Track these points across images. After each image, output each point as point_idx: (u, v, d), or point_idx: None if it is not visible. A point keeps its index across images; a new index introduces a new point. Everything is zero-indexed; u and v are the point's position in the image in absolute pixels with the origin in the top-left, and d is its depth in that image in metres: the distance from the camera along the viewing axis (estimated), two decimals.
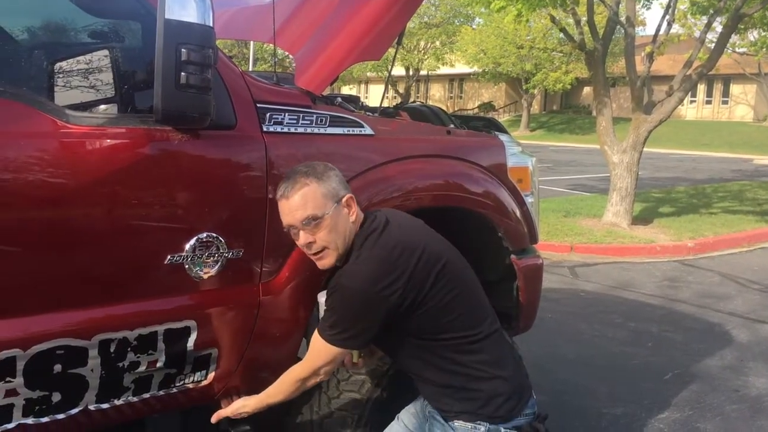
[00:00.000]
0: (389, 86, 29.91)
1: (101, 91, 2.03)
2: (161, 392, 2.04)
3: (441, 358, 1.99)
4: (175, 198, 1.94)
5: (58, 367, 1.80)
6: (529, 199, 2.87)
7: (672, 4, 9.44)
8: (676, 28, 10.60)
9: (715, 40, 9.62)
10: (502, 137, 2.89)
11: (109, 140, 1.82)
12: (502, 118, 38.55)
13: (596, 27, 9.12)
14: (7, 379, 1.73)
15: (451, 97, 46.71)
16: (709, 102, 38.37)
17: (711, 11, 9.21)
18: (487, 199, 2.64)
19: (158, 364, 1.97)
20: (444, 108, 3.23)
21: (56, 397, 1.84)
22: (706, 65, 8.90)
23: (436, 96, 46.96)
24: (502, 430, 1.98)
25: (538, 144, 29.59)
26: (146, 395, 2.02)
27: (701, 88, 36.76)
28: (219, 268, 2.01)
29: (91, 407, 1.91)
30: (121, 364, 1.90)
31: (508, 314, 2.78)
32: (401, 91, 39.29)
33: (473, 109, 41.80)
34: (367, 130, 2.37)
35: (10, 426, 1.79)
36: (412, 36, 34.35)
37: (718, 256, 7.98)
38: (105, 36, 2.23)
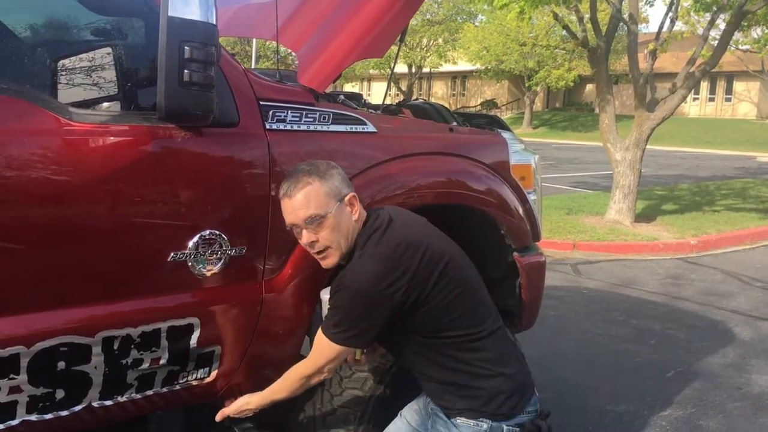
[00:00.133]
0: (392, 84, 29.88)
1: (104, 88, 2.03)
2: (164, 389, 2.05)
3: (444, 356, 1.99)
4: (178, 195, 1.94)
5: (61, 364, 1.80)
6: (531, 197, 2.87)
7: (675, 1, 9.41)
8: (679, 26, 10.62)
9: (718, 37, 9.59)
10: (505, 135, 2.89)
11: (112, 138, 1.82)
12: (505, 116, 38.49)
13: (599, 24, 9.11)
14: (11, 376, 1.73)
15: (453, 95, 46.67)
16: (712, 99, 38.31)
17: (714, 8, 9.18)
18: (489, 196, 2.63)
19: (161, 362, 1.98)
20: (447, 105, 3.22)
21: (60, 394, 1.84)
22: (709, 62, 8.88)
23: (439, 93, 46.92)
24: (505, 427, 1.98)
25: (541, 141, 29.55)
26: (149, 392, 2.02)
27: (704, 86, 36.67)
28: (222, 266, 2.01)
29: (95, 404, 1.92)
30: (124, 362, 1.91)
31: (510, 312, 2.78)
32: (404, 88, 39.27)
33: (476, 106, 41.76)
34: (370, 128, 2.37)
35: (14, 423, 1.80)
36: (414, 33, 34.32)
37: (721, 254, 7.97)
38: (108, 33, 2.24)
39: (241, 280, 2.08)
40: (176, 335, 1.97)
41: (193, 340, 2.01)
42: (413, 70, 39.18)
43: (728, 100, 37.72)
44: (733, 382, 4.18)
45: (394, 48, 2.79)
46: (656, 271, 7.08)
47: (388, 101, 2.94)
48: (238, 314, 2.10)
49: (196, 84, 1.77)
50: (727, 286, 6.49)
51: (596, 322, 5.26)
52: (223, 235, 1.99)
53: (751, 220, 9.56)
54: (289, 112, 2.16)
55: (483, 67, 36.52)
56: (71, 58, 2.10)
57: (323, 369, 2.00)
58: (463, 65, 38.18)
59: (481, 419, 1.97)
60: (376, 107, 2.73)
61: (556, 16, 10.39)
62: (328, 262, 2.01)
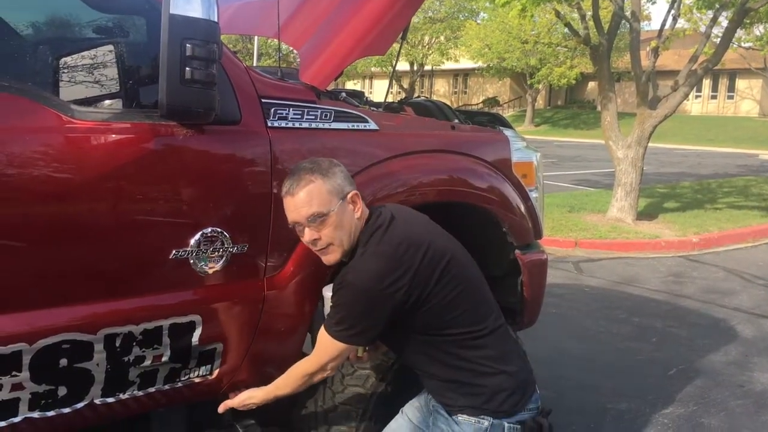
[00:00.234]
0: (393, 81, 29.88)
1: (106, 86, 2.03)
2: (166, 386, 2.05)
3: (446, 354, 1.99)
4: (180, 193, 1.94)
5: (63, 362, 1.81)
6: (533, 194, 2.86)
7: None
8: (681, 23, 10.58)
9: (720, 34, 9.57)
10: (507, 132, 2.88)
11: (113, 135, 1.82)
12: (507, 114, 38.50)
13: (601, 22, 9.10)
14: (13, 373, 1.73)
15: (455, 93, 46.65)
16: (714, 97, 38.26)
17: (717, 6, 9.17)
18: (491, 194, 2.63)
19: (163, 359, 1.98)
20: (448, 103, 3.22)
21: (62, 391, 1.84)
22: (711, 60, 8.86)
23: (441, 91, 46.89)
24: (506, 424, 1.99)
25: (543, 139, 29.52)
26: (151, 389, 2.02)
27: (706, 83, 36.63)
28: (224, 263, 2.01)
29: (97, 401, 1.92)
30: (126, 359, 1.91)
31: (512, 309, 2.78)
32: (406, 86, 39.25)
33: (478, 104, 41.72)
34: (372, 125, 2.36)
35: (16, 420, 1.80)
36: (416, 31, 34.29)
37: (723, 252, 7.96)
38: (110, 31, 2.24)
39: (242, 278, 2.08)
40: (178, 332, 1.97)
41: (195, 337, 2.01)
42: (415, 68, 39.15)
43: (730, 97, 37.66)
44: (735, 379, 4.18)
45: (395, 46, 2.79)
46: (658, 268, 7.08)
47: (389, 99, 2.94)
48: (240, 312, 2.10)
49: (197, 81, 1.77)
50: (729, 283, 6.49)
51: (598, 320, 5.26)
52: (225, 233, 1.99)
53: (753, 217, 9.55)
54: (291, 109, 2.16)
55: (485, 65, 36.48)
56: (73, 55, 2.10)
57: (326, 366, 2.01)
58: (465, 63, 38.14)
59: (482, 416, 1.97)
60: (377, 105, 2.73)
61: (558, 14, 10.39)
62: (330, 258, 2.01)
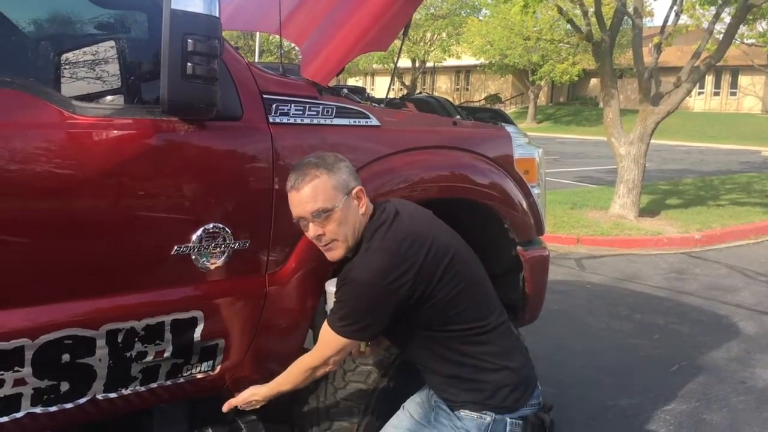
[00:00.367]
0: (395, 78, 29.83)
1: (108, 82, 2.03)
2: (168, 382, 2.05)
3: (449, 350, 1.99)
4: (182, 189, 1.94)
5: (66, 357, 1.81)
6: (535, 191, 2.86)
7: None
8: (684, 19, 10.53)
9: (723, 31, 9.55)
10: (509, 128, 2.88)
11: (115, 131, 1.82)
12: (509, 110, 38.44)
13: (604, 18, 9.08)
14: (16, 368, 1.74)
15: (457, 89, 46.61)
16: (717, 93, 38.17)
17: (719, 2, 9.14)
18: (493, 190, 2.63)
19: (165, 354, 1.98)
20: (450, 100, 3.22)
21: (64, 386, 1.84)
22: (714, 56, 8.84)
23: (443, 88, 46.86)
24: (508, 420, 1.99)
25: (545, 136, 29.50)
26: (153, 385, 2.03)
27: (709, 80, 36.55)
28: (225, 259, 2.01)
29: (99, 396, 1.92)
30: (128, 354, 1.91)
31: (514, 306, 2.78)
32: (407, 83, 39.21)
33: (480, 100, 41.71)
34: (373, 121, 2.36)
35: (18, 415, 1.80)
36: (418, 27, 34.26)
37: (725, 248, 7.95)
38: (111, 27, 2.23)
39: (244, 274, 2.08)
40: (180, 328, 1.97)
41: (197, 333, 2.01)
42: (417, 65, 39.11)
43: (733, 94, 37.57)
44: (737, 376, 4.17)
45: (397, 42, 2.79)
46: (660, 265, 7.07)
47: (391, 95, 2.94)
48: (242, 307, 2.10)
49: (199, 77, 1.77)
50: (731, 280, 6.48)
51: (600, 317, 5.26)
52: (227, 229, 1.99)
53: (756, 214, 9.53)
54: (293, 105, 2.16)
55: (487, 62, 36.43)
56: (74, 51, 2.10)
57: (329, 361, 2.00)
58: (467, 59, 38.08)
59: (484, 412, 1.97)
60: (379, 101, 2.73)
61: (560, 10, 10.35)
62: (334, 254, 2.00)
